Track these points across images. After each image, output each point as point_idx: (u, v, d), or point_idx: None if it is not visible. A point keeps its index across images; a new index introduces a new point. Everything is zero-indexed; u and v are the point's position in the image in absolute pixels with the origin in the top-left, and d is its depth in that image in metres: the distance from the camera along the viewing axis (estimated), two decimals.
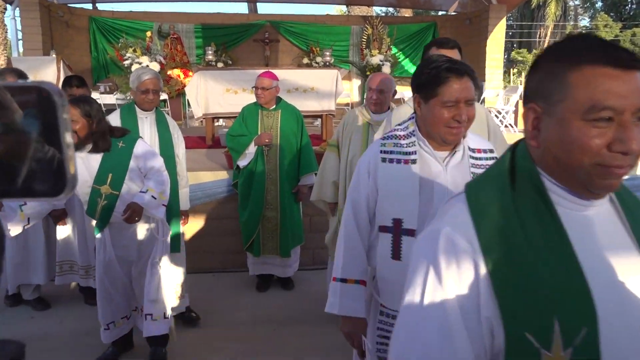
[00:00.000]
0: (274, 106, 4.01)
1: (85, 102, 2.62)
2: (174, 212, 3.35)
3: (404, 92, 8.12)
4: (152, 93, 3.26)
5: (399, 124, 1.81)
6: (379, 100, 3.30)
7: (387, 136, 1.78)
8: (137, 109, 3.32)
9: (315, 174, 3.81)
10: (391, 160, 1.72)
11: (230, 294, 4.09)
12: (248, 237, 4.05)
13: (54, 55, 8.15)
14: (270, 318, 3.67)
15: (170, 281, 3.15)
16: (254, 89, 3.98)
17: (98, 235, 2.91)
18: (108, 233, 2.89)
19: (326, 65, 9.24)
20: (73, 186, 0.40)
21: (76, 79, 3.76)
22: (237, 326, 3.43)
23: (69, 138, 0.38)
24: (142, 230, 2.96)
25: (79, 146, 2.63)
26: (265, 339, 3.37)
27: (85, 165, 2.74)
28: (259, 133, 3.96)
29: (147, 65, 8.01)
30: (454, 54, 2.26)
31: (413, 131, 1.73)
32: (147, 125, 3.33)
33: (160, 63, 8.24)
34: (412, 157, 1.69)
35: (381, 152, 1.75)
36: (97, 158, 2.74)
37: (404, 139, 1.73)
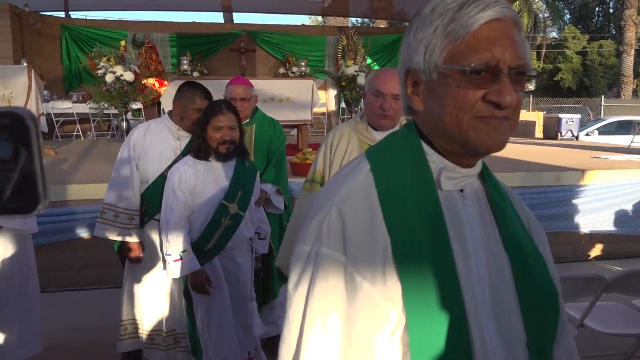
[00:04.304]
0: (248, 120, 3.11)
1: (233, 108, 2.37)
2: None
3: None
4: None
5: None
6: (392, 110, 2.02)
7: None
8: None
9: (278, 190, 2.94)
10: None
11: None
12: None
13: (25, 64, 8.02)
14: None
15: None
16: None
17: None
18: (219, 263, 2.38)
19: (302, 75, 9.31)
20: (43, 207, 0.42)
21: (201, 90, 2.85)
22: None
23: (41, 161, 0.41)
24: (247, 253, 2.50)
25: (231, 155, 2.35)
26: None
27: (216, 176, 2.36)
28: None
29: (122, 75, 7.94)
30: None
31: None
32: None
33: (135, 72, 8.19)
34: None
35: None
36: (226, 170, 2.38)
37: None
